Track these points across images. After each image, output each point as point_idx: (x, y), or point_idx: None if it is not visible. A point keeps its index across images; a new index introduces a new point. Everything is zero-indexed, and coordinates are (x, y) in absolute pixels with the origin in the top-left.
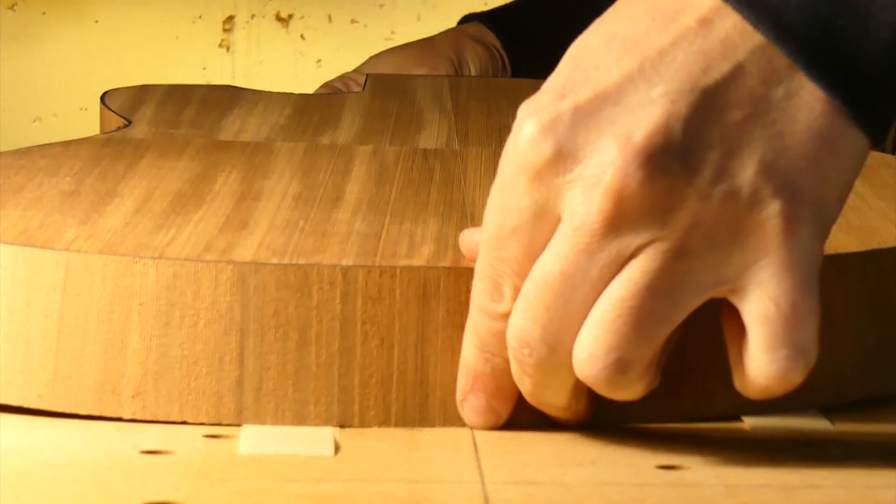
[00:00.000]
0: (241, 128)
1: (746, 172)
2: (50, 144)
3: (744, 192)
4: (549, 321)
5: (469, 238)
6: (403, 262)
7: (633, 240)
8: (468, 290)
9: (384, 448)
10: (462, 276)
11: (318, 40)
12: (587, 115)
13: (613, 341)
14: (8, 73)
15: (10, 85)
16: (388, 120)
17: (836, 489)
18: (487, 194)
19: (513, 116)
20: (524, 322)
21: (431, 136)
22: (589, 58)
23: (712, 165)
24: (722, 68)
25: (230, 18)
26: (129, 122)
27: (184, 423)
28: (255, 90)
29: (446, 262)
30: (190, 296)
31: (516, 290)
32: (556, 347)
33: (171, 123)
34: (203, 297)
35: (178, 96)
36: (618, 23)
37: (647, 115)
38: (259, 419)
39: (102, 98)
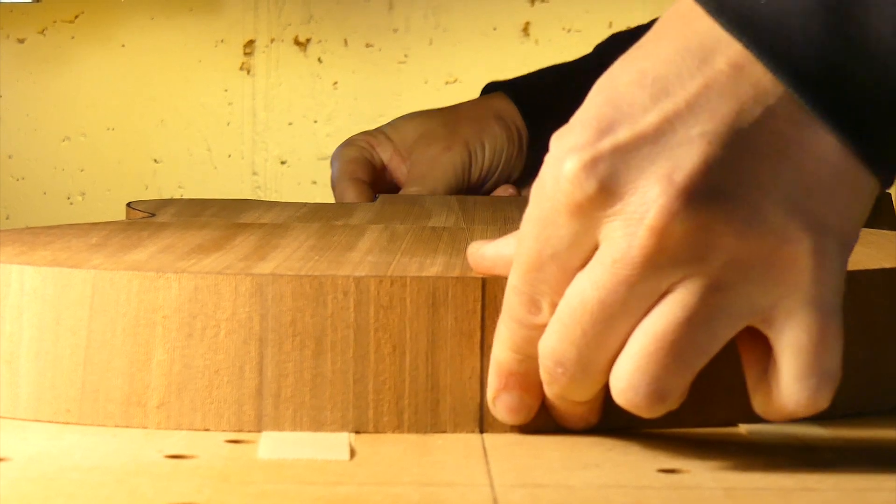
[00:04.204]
0: (260, 217)
1: (778, 210)
2: (78, 224)
3: (777, 230)
4: (585, 345)
5: (476, 251)
6: (413, 274)
7: (672, 274)
8: (475, 300)
9: (398, 453)
10: (469, 285)
11: (335, 63)
12: (627, 153)
13: (654, 373)
14: (39, 94)
15: (40, 105)
16: (398, 214)
17: (830, 492)
18: None
19: (516, 219)
20: (559, 344)
21: (440, 221)
22: (622, 95)
23: (747, 204)
24: (754, 112)
25: (251, 42)
26: (153, 215)
27: (206, 430)
28: (271, 201)
29: (454, 274)
30: (211, 307)
31: (554, 305)
32: (590, 368)
33: (193, 215)
34: (223, 308)
35: (198, 206)
36: (648, 61)
37: (686, 155)
38: (278, 426)
39: (129, 205)
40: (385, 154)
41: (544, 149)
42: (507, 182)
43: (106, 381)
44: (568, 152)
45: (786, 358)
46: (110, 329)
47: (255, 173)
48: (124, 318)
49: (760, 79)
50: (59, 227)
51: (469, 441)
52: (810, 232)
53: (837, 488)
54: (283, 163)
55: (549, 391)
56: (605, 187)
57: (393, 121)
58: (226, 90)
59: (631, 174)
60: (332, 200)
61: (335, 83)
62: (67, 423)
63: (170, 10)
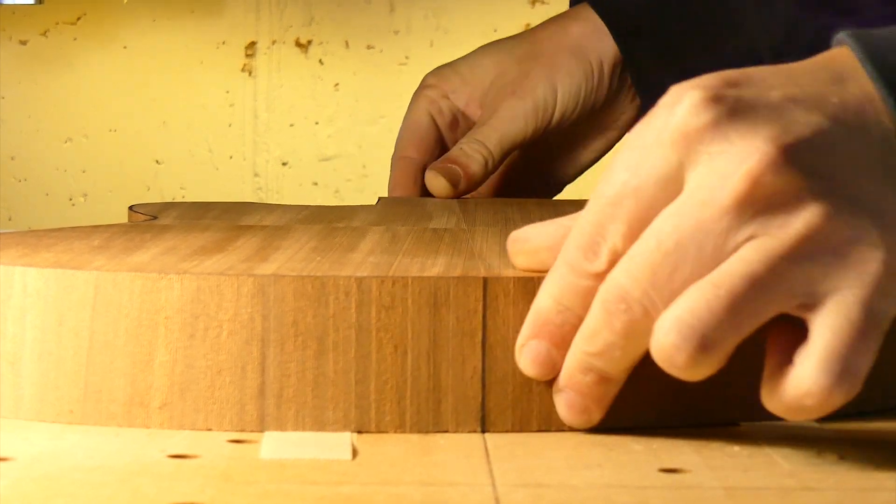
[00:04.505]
0: (262, 219)
1: (867, 214)
2: (80, 226)
3: (860, 227)
4: (651, 284)
5: (520, 235)
6: (415, 275)
7: (751, 228)
8: (476, 299)
9: (400, 452)
10: (470, 285)
11: (336, 65)
12: (747, 107)
13: (706, 318)
14: (41, 95)
15: (42, 107)
16: (399, 216)
17: (831, 491)
18: (495, 248)
19: (517, 221)
20: (627, 280)
21: (441, 223)
22: (755, 72)
23: (842, 192)
24: (874, 131)
25: (252, 44)
26: (155, 218)
27: (209, 430)
28: (272, 204)
29: (456, 274)
30: (213, 308)
31: (613, 255)
32: (651, 311)
33: (195, 218)
34: (226, 308)
35: (200, 208)
36: (788, 68)
37: (799, 125)
38: (280, 425)
39: (131, 207)
40: (460, 100)
41: (636, 69)
42: (588, 117)
43: (109, 381)
44: (692, 87)
45: (818, 341)
46: (113, 330)
47: (256, 174)
48: (127, 319)
49: (883, 117)
50: (61, 229)
51: (471, 441)
52: (885, 246)
53: (837, 488)
54: (284, 164)
55: (594, 342)
56: (718, 123)
57: (473, 53)
58: (227, 92)
59: (744, 124)
60: (332, 202)
61: (336, 85)
62: (70, 424)
63: (171, 11)
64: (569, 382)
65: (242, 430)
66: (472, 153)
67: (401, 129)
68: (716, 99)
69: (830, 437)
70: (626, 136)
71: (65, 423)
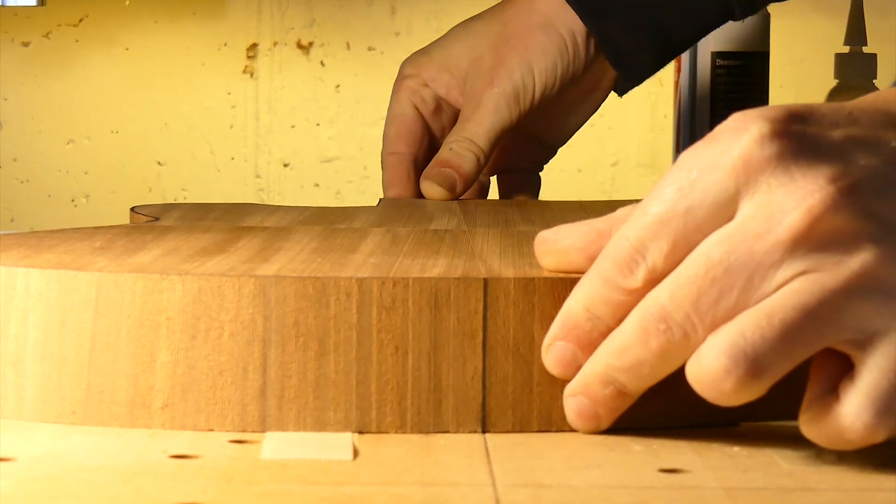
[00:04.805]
0: (263, 220)
1: None
2: (82, 228)
3: None
4: (695, 309)
5: (549, 236)
6: (416, 276)
7: (803, 264)
8: (477, 300)
9: (400, 453)
10: (471, 286)
11: (337, 66)
12: (812, 145)
13: (759, 345)
14: (43, 97)
15: (45, 109)
16: (400, 217)
17: (830, 492)
18: (496, 249)
19: (518, 222)
20: (670, 301)
21: (441, 224)
22: (819, 108)
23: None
24: None
25: (254, 46)
26: (157, 219)
27: (210, 430)
28: (274, 205)
29: (456, 275)
30: (215, 309)
31: (651, 273)
32: (690, 336)
33: (197, 219)
34: (227, 309)
35: (202, 210)
36: (849, 105)
37: (860, 167)
38: (281, 426)
39: (133, 209)
40: (440, 88)
41: (608, 42)
42: (570, 85)
43: (111, 382)
44: (758, 118)
45: (866, 378)
46: (115, 331)
47: (258, 176)
48: (129, 320)
49: None
50: (62, 230)
51: (471, 441)
52: None
53: (837, 488)
54: (285, 165)
55: (626, 355)
56: (782, 157)
57: (445, 38)
58: (229, 93)
59: (807, 162)
60: (333, 204)
61: (337, 86)
62: (72, 424)
63: (173, 14)
64: (585, 390)
65: (244, 431)
66: (463, 152)
67: (386, 123)
68: (782, 133)
69: None
70: (682, 155)
71: (67, 424)
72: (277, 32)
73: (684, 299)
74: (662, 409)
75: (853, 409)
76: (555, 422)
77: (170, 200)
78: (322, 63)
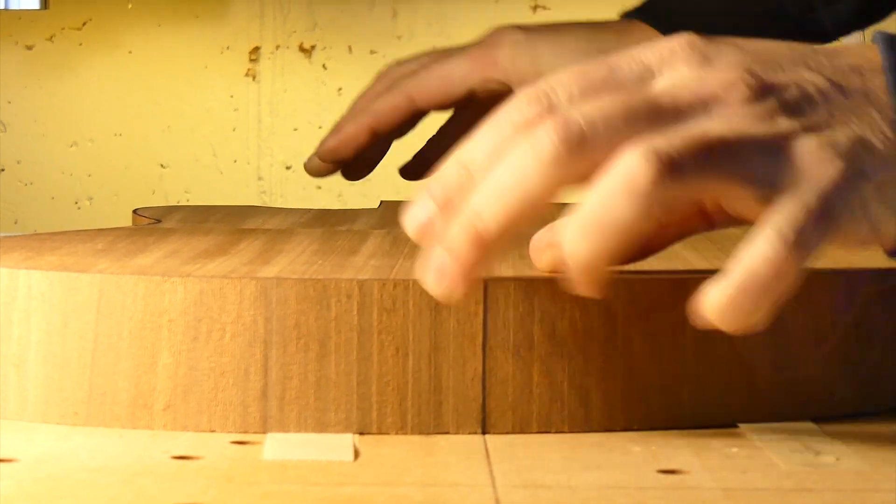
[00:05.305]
0: (264, 223)
1: (843, 135)
2: (84, 230)
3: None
4: (580, 91)
5: (545, 238)
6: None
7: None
8: (476, 302)
9: (401, 454)
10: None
11: (339, 70)
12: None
13: (679, 146)
14: (46, 100)
15: (48, 111)
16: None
17: (828, 493)
18: None
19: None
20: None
21: None
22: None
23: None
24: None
25: (256, 49)
26: (159, 221)
27: (212, 431)
28: (275, 207)
29: None
30: (216, 310)
31: (550, 110)
32: (560, 110)
33: (199, 221)
34: (229, 311)
35: (203, 212)
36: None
37: (767, 58)
38: (283, 427)
39: (135, 211)
40: (509, 87)
41: None
42: None
43: (113, 383)
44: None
45: (773, 217)
46: (117, 332)
47: (260, 178)
48: (130, 322)
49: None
50: (64, 232)
51: (471, 442)
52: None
53: (835, 489)
54: (288, 168)
55: (492, 182)
56: (702, 49)
57: (558, 38)
58: (231, 96)
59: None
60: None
61: (340, 89)
62: (75, 425)
63: (176, 17)
64: (445, 240)
65: (245, 432)
66: None
67: (432, 69)
68: (707, 40)
69: (827, 439)
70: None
71: (69, 425)
72: (280, 36)
73: (563, 86)
74: (661, 410)
75: (764, 240)
76: (554, 423)
77: (172, 203)
78: (324, 66)
